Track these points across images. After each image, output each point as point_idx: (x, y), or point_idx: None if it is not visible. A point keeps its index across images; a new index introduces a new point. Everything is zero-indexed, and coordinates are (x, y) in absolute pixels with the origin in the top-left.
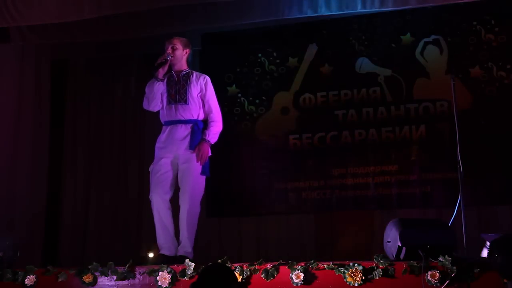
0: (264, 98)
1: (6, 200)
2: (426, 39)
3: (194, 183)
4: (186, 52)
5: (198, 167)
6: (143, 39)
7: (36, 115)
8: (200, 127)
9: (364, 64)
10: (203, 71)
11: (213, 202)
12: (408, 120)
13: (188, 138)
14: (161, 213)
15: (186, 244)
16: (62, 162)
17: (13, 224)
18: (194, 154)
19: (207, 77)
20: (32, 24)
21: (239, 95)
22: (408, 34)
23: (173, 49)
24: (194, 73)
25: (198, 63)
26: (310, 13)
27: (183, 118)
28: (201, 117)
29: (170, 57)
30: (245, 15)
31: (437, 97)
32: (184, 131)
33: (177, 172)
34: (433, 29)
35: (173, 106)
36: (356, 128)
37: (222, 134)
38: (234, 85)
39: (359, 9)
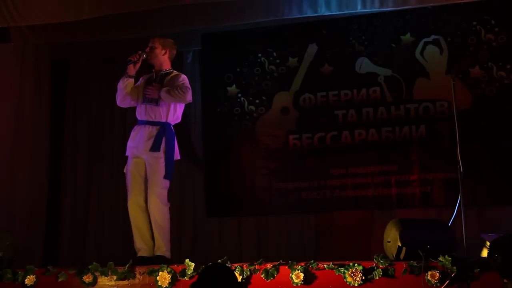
0: (264, 98)
1: (6, 200)
2: (426, 39)
3: (159, 186)
4: (166, 52)
5: (162, 170)
6: (143, 39)
7: (36, 115)
8: (167, 130)
9: (364, 64)
10: (203, 71)
11: (213, 202)
12: (408, 120)
13: (152, 140)
14: (135, 216)
15: (160, 245)
16: (62, 162)
17: (13, 224)
18: (158, 157)
19: (183, 75)
20: (32, 24)
21: (239, 95)
22: (408, 34)
23: (151, 48)
24: (173, 74)
25: (198, 63)
26: (310, 13)
27: (151, 119)
28: (171, 120)
29: (144, 55)
30: (245, 15)
31: (437, 97)
32: (150, 132)
33: (145, 172)
34: (433, 29)
35: (144, 105)
36: (356, 128)
37: (222, 134)
38: (234, 85)
39: (359, 9)
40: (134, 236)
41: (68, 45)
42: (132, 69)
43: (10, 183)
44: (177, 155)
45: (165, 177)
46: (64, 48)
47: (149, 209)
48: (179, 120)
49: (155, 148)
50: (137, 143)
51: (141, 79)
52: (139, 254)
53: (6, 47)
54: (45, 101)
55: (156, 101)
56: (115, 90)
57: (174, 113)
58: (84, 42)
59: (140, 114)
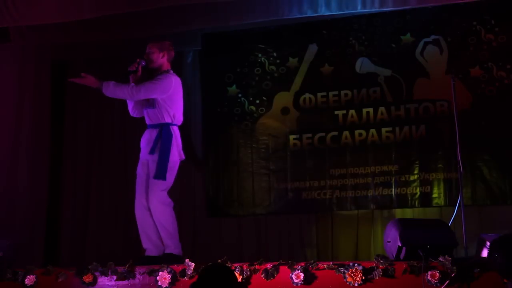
0: (264, 98)
1: (7, 200)
2: (426, 39)
3: (158, 188)
4: (164, 55)
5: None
6: (143, 39)
7: (36, 115)
8: (164, 131)
9: (364, 64)
10: (203, 71)
11: (213, 202)
12: (408, 120)
13: (152, 143)
14: (140, 217)
15: (169, 244)
16: (62, 162)
17: (13, 224)
18: (155, 159)
19: (163, 79)
20: (32, 24)
21: (239, 95)
22: (408, 34)
23: (148, 54)
24: (161, 71)
25: (198, 63)
26: (310, 13)
27: (152, 123)
28: (168, 119)
29: (143, 63)
30: (245, 15)
31: (437, 97)
32: (151, 135)
33: (148, 175)
34: (433, 29)
35: (145, 110)
36: (356, 128)
37: (222, 134)
38: (234, 85)
39: (359, 9)
40: (141, 236)
41: (68, 45)
42: (132, 79)
43: (10, 183)
44: (182, 156)
45: (155, 177)
46: (64, 48)
47: (151, 210)
48: (179, 120)
49: (151, 150)
50: (142, 146)
51: None
52: (146, 254)
53: (6, 47)
54: (45, 101)
55: (153, 104)
56: None
57: (168, 113)
58: (84, 42)
59: (146, 119)
